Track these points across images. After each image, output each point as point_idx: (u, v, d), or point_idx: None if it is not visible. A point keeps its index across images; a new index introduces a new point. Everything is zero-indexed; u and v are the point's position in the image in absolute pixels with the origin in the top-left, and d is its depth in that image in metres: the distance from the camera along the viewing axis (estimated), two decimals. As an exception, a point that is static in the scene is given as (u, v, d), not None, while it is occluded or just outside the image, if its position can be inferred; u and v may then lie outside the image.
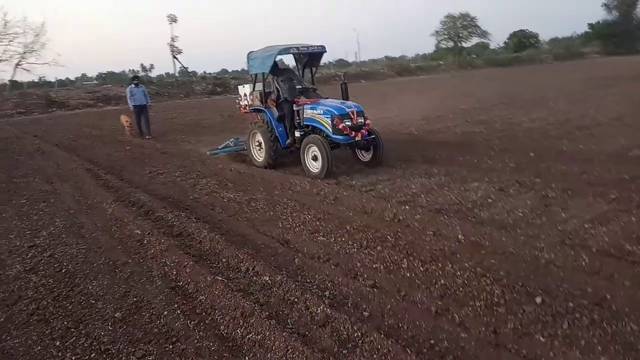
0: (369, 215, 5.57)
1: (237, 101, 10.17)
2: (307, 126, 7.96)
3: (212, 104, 29.28)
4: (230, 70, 70.86)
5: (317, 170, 7.47)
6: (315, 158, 7.51)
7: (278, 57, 8.33)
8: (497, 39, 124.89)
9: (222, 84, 43.24)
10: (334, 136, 7.44)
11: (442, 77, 38.42)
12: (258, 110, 8.99)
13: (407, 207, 5.50)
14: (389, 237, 4.79)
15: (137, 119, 14.51)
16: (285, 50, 8.23)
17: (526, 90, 20.10)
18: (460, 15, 64.05)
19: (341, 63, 77.29)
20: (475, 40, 66.73)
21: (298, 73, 9.17)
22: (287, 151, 8.50)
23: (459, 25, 64.51)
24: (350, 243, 4.69)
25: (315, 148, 7.46)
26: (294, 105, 8.05)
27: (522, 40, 70.27)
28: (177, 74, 46.01)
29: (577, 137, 9.08)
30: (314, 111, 7.74)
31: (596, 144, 8.37)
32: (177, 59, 42.91)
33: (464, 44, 66.00)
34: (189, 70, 50.11)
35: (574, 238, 4.30)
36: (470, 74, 39.88)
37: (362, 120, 7.61)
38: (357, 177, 7.30)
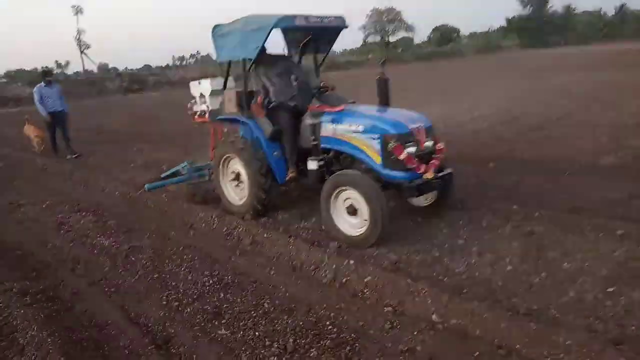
0: (299, 276, 3.88)
1: (189, 105, 6.48)
2: (327, 152, 4.73)
3: (125, 103, 26.26)
4: (154, 67, 66.46)
5: (357, 232, 4.20)
6: (353, 211, 4.23)
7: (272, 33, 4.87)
8: (421, 33, 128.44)
9: (140, 80, 39.85)
10: (387, 172, 4.22)
11: (371, 72, 37.66)
12: (232, 121, 5.51)
13: (350, 260, 3.86)
14: (328, 323, 3.12)
15: (51, 130, 10.45)
16: (288, 20, 4.70)
17: (459, 84, 19.34)
18: (386, 10, 64.14)
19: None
20: (400, 34, 67.23)
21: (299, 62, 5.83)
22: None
23: (385, 19, 64.58)
24: (268, 343, 2.96)
25: (354, 194, 4.16)
26: (306, 115, 4.82)
27: (444, 35, 71.72)
28: (95, 71, 41.92)
29: (534, 140, 7.92)
30: (344, 126, 4.47)
31: (558, 148, 7.23)
32: (85, 54, 38.94)
33: (390, 39, 66.21)
34: (109, 66, 45.96)
35: (603, 314, 2.86)
36: (400, 68, 39.38)
37: (432, 144, 4.41)
38: (284, 206, 5.52)
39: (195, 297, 3.64)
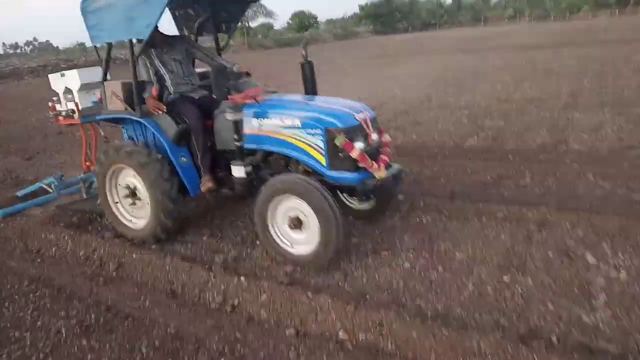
0: (181, 304, 3.32)
1: (50, 104, 5.31)
2: (252, 153, 3.87)
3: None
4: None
5: (304, 251, 3.46)
6: (296, 224, 3.45)
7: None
8: (281, 19, 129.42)
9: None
10: (334, 173, 3.48)
11: (234, 58, 36.56)
12: (117, 121, 4.46)
13: (241, 277, 3.41)
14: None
15: None
16: None
17: (322, 71, 19.55)
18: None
19: (123, 44, 69.11)
20: (260, 20, 66.58)
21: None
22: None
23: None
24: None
25: (299, 204, 3.37)
26: (223, 108, 3.83)
27: (303, 21, 72.96)
28: None
29: (403, 126, 8.14)
30: (274, 120, 3.63)
31: (427, 133, 7.49)
32: None
33: (250, 24, 65.18)
34: None
35: (505, 307, 2.83)
36: (264, 54, 38.94)
37: (378, 137, 3.71)
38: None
39: (48, 349, 2.89)
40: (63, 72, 5.16)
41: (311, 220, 3.35)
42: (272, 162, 3.93)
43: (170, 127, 3.97)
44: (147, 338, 2.92)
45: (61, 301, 3.48)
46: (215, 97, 3.59)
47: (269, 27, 70.84)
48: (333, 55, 28.38)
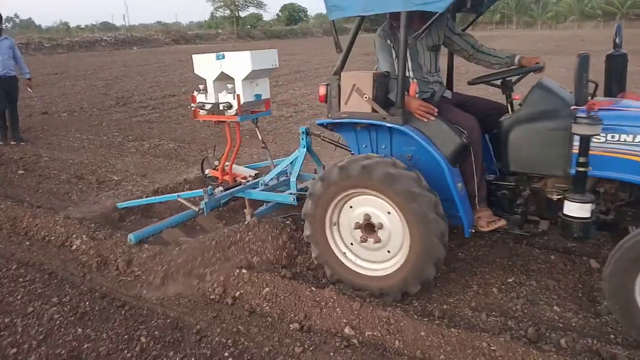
0: (196, 292, 3.24)
1: (195, 94, 4.11)
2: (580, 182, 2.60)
3: None
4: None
5: None
6: None
7: None
8: (271, 11, 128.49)
9: None
10: None
11: (223, 47, 36.03)
12: (341, 126, 3.19)
13: (243, 269, 3.33)
14: (227, 354, 2.58)
15: None
16: None
17: (317, 65, 19.55)
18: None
19: (107, 26, 67.92)
20: (251, 10, 65.92)
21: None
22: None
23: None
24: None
25: None
26: (520, 115, 2.91)
27: (293, 14, 72.39)
28: None
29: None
30: None
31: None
32: None
33: (240, 13, 64.45)
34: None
35: (512, 309, 2.82)
36: (255, 45, 38.55)
37: None
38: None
39: (41, 337, 2.78)
40: (222, 52, 3.96)
41: None
42: (608, 196, 2.78)
43: (448, 140, 2.83)
44: (146, 328, 2.83)
45: (53, 287, 3.36)
46: (576, 101, 2.48)
47: (258, 17, 70.10)
48: (323, 49, 28.20)
